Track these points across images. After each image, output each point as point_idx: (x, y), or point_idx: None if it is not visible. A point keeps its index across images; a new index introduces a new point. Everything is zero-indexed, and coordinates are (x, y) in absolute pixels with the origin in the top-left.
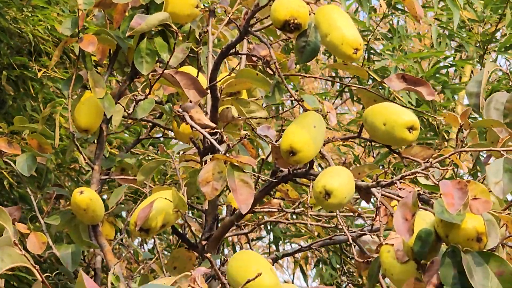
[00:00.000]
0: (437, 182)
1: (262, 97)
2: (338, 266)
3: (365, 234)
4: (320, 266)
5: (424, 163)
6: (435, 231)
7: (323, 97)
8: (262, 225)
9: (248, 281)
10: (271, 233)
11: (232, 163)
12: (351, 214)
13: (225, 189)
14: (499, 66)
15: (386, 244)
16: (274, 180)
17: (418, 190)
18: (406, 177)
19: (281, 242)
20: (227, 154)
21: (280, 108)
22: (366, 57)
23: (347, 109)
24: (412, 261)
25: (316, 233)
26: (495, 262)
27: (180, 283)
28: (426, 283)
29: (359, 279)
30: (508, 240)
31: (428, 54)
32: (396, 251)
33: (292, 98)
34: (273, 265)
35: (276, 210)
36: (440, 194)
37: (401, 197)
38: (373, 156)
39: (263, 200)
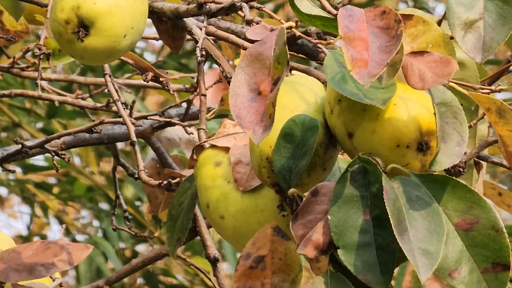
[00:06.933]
0: (334, 11)
1: None
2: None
3: (171, 124)
4: None
5: None
6: (325, 121)
7: None
8: None
9: None
10: None
11: None
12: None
13: None
14: None
15: (212, 147)
16: None
17: (290, 27)
18: None
19: None
20: None
21: None
22: None
23: None
24: (270, 189)
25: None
26: (458, 200)
27: None
28: (298, 240)
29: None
30: (494, 150)
31: None
32: (233, 165)
33: None
34: None
35: None
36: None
37: (252, 42)
38: None
39: None
